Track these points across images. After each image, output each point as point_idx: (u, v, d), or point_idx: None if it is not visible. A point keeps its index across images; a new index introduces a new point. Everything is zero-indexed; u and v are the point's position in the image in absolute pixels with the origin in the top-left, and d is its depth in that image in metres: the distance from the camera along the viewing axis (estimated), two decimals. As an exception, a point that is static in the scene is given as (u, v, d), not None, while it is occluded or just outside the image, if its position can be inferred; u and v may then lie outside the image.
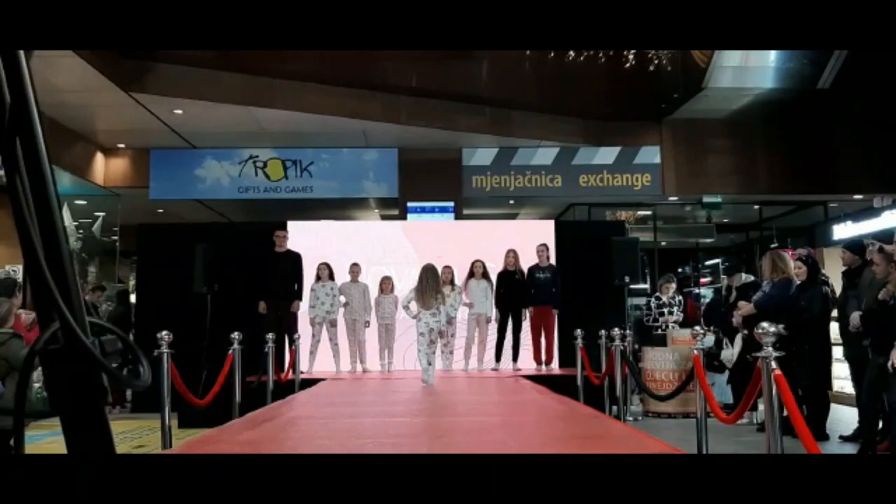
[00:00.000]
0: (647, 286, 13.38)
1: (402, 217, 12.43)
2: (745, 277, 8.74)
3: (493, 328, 9.37)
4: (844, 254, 6.65)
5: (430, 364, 7.18)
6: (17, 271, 9.33)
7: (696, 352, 5.00)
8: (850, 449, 6.18)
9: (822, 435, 6.52)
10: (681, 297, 9.80)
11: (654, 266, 14.12)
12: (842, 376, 7.77)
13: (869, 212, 12.83)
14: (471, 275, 9.36)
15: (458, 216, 12.39)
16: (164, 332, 4.72)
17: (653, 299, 9.78)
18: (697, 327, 5.68)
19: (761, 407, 4.90)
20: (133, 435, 7.46)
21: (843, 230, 13.12)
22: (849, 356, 6.65)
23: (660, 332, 9.32)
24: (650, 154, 12.53)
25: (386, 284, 9.33)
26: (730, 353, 7.93)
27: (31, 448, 4.81)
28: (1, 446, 4.15)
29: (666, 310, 9.44)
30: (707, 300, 14.46)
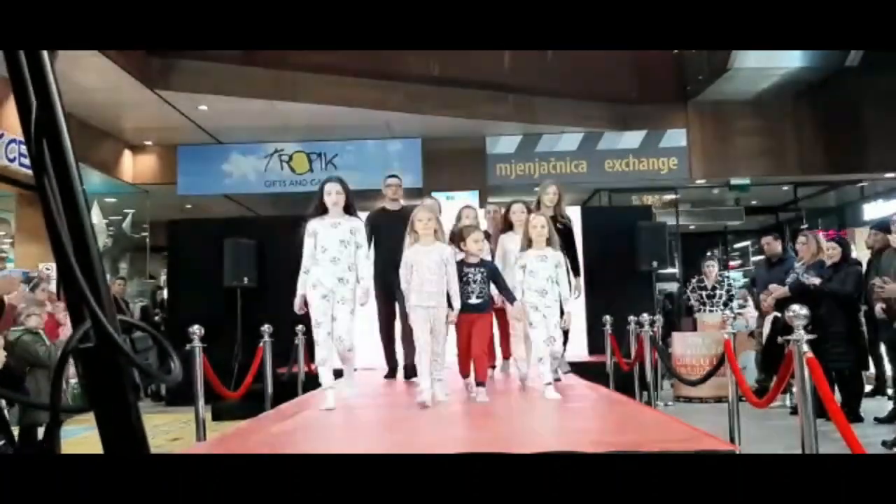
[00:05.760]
0: (675, 271, 13.24)
1: (428, 207, 12.41)
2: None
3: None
4: (870, 235, 6.55)
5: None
6: (51, 269, 9.49)
7: (726, 336, 4.96)
8: (885, 431, 6.09)
9: (856, 417, 6.43)
10: (731, 282, 9.10)
11: (682, 250, 13.96)
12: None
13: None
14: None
15: (483, 205, 12.33)
16: (196, 327, 4.76)
17: (694, 282, 9.17)
18: (728, 311, 5.63)
19: (794, 389, 4.84)
20: (168, 428, 7.57)
21: (875, 209, 12.89)
22: (873, 338, 6.55)
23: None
24: (676, 137, 12.37)
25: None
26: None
27: (66, 442, 4.89)
28: (30, 439, 4.24)
29: (706, 293, 8.81)
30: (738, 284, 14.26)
